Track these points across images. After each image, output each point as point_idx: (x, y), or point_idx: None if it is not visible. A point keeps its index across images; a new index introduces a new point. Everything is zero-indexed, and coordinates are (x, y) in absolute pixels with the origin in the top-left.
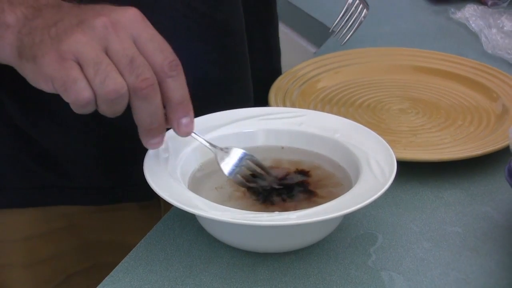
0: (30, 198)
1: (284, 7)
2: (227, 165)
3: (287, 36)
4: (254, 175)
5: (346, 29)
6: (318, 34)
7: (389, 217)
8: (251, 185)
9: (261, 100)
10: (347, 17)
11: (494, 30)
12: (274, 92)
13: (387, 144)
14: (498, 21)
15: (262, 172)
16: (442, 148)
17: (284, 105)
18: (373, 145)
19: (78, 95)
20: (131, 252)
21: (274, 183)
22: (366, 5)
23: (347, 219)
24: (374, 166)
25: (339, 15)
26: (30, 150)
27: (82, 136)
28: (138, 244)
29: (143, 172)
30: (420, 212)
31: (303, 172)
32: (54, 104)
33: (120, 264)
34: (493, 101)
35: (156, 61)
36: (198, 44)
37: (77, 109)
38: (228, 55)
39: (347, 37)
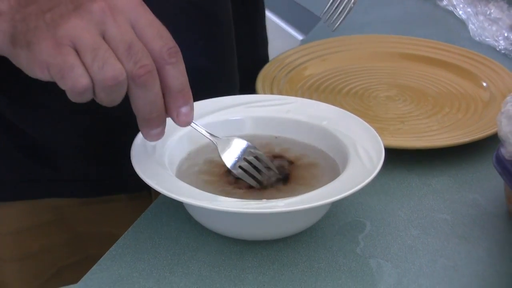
0: (19, 191)
1: None
2: (229, 156)
3: (274, 24)
4: (255, 168)
5: (336, 16)
6: (305, 22)
7: (377, 205)
8: (250, 182)
9: (247, 88)
10: (337, 3)
11: (481, 17)
12: (261, 79)
13: (374, 132)
14: (485, 8)
15: (264, 165)
16: (430, 135)
17: (272, 93)
18: (361, 132)
19: (75, 82)
20: (118, 240)
21: (273, 177)
22: None
23: (335, 206)
24: (362, 153)
25: (329, 1)
26: (18, 143)
27: (70, 127)
28: (126, 232)
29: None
30: (408, 200)
31: (288, 161)
32: (41, 94)
33: (107, 252)
34: (481, 88)
35: (155, 47)
36: (186, 33)
37: (73, 97)
38: (216, 44)
39: (338, 23)
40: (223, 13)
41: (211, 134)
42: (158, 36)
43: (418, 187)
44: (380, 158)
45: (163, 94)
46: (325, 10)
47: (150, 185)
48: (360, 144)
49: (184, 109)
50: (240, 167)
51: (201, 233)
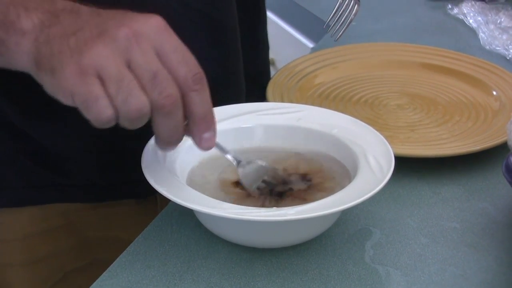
0: (29, 197)
1: (282, 2)
2: (247, 178)
3: (284, 31)
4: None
5: (339, 26)
6: (316, 30)
7: (386, 213)
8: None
9: (252, 94)
10: (340, 13)
11: (491, 26)
12: (271, 87)
13: (385, 140)
14: (496, 17)
15: (277, 183)
16: (440, 144)
17: (282, 101)
18: (371, 140)
19: (100, 113)
20: (128, 247)
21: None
22: (357, 1)
23: (345, 214)
24: (372, 161)
25: (332, 12)
26: (27, 149)
27: (80, 133)
28: (136, 239)
29: (141, 168)
30: (417, 208)
31: (303, 175)
32: (50, 100)
33: (117, 259)
34: (491, 96)
35: (179, 74)
36: (192, 40)
37: (97, 125)
38: (224, 51)
39: (340, 34)
40: (230, 21)
41: (233, 157)
42: (183, 62)
43: (427, 195)
44: (390, 166)
45: (186, 117)
46: (328, 20)
47: (160, 193)
48: (370, 152)
49: (206, 135)
50: (258, 188)
51: (211, 241)
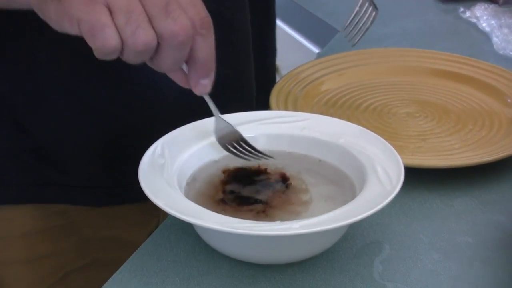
0: (29, 195)
1: (287, 6)
2: (220, 133)
3: (289, 36)
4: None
5: (357, 31)
6: (322, 34)
7: (396, 226)
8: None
9: (258, 100)
10: (358, 18)
11: (505, 30)
12: (275, 95)
13: (394, 150)
14: (510, 21)
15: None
16: (452, 154)
17: (286, 109)
18: (380, 150)
19: (105, 42)
20: (125, 263)
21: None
22: (375, 8)
23: (353, 228)
24: (381, 172)
25: (350, 16)
26: (29, 145)
27: (82, 130)
28: (132, 255)
29: None
30: (429, 221)
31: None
32: (53, 95)
33: (113, 276)
34: (505, 104)
35: (189, 14)
36: None
37: (100, 55)
38: (233, 51)
39: (358, 38)
40: (242, 22)
41: (218, 113)
42: (191, 4)
43: (439, 208)
44: (399, 178)
45: (188, 62)
46: (346, 25)
47: (158, 206)
48: (379, 163)
49: (203, 81)
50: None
51: (212, 256)
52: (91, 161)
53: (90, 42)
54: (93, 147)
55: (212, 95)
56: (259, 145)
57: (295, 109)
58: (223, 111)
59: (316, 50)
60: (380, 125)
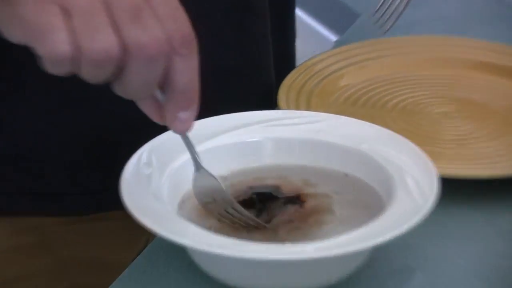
0: None
1: None
2: (198, 189)
3: (302, 22)
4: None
5: (389, 15)
6: (340, 19)
7: (429, 249)
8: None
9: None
10: (390, 1)
11: None
12: (285, 91)
13: (427, 157)
14: None
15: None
16: (496, 162)
17: (298, 108)
18: (410, 158)
19: (55, 47)
20: None
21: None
22: None
23: (377, 251)
24: (411, 184)
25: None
26: None
27: (57, 124)
28: (113, 283)
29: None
30: (468, 243)
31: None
32: (31, 87)
33: None
34: None
35: (167, 29)
36: (209, 22)
37: (50, 66)
38: (247, 36)
39: (390, 25)
40: (258, 2)
41: (196, 160)
42: (172, 18)
43: (481, 227)
44: (433, 191)
45: (165, 89)
46: (377, 8)
47: (143, 225)
48: (409, 173)
49: (183, 115)
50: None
51: (207, 285)
52: (69, 162)
53: (38, 47)
54: (71, 144)
55: (224, 88)
56: (264, 153)
57: (309, 108)
58: (238, 105)
59: (333, 37)
60: (410, 127)
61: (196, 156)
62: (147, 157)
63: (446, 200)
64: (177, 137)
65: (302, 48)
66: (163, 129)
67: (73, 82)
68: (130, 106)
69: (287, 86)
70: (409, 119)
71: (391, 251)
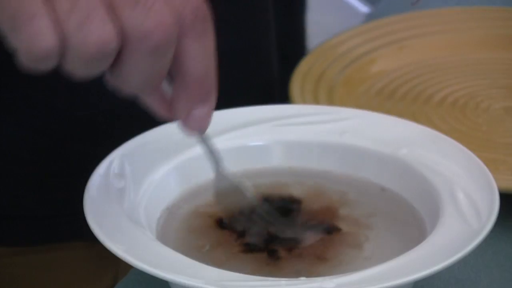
0: None
1: None
2: (222, 196)
3: None
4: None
5: None
6: None
7: (487, 286)
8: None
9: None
10: None
11: None
12: (299, 79)
13: (484, 166)
14: None
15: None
16: None
17: (316, 102)
18: (462, 167)
19: (34, 38)
20: None
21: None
22: None
23: (419, 287)
24: (463, 201)
25: None
26: None
27: (10, 131)
28: None
29: None
30: None
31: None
32: None
33: None
34: None
35: (174, 3)
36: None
37: (28, 62)
38: (246, 16)
39: None
40: None
41: (219, 165)
42: None
43: None
44: (492, 211)
45: (174, 78)
46: None
47: (114, 252)
48: (460, 187)
49: (199, 110)
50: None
51: None
52: (18, 180)
53: (14, 39)
54: (23, 156)
55: (218, 81)
56: (273, 160)
57: (331, 102)
58: (234, 100)
59: (363, 9)
60: (464, 127)
61: (219, 162)
62: (119, 167)
63: (509, 222)
64: (157, 141)
65: (323, 23)
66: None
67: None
68: (89, 107)
69: (303, 74)
70: (462, 116)
71: (436, 287)
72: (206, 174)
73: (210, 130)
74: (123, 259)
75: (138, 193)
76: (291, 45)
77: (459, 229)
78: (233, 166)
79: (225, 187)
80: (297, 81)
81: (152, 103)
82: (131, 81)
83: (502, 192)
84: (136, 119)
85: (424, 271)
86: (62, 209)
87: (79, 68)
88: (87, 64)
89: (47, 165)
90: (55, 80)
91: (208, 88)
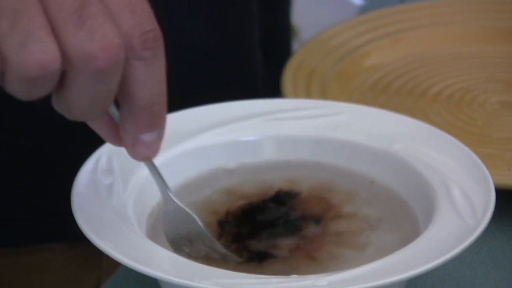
0: None
1: None
2: (168, 224)
3: None
4: None
5: None
6: None
7: (483, 283)
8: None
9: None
10: None
11: None
12: (291, 73)
13: (480, 162)
14: None
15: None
16: None
17: (309, 96)
18: (457, 163)
19: None
20: None
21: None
22: None
23: (414, 285)
24: (458, 197)
25: None
26: None
27: None
28: None
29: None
30: None
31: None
32: None
33: None
34: None
35: (122, 25)
36: None
37: None
38: (226, 10)
39: None
40: None
41: (166, 193)
42: (128, 9)
43: None
44: (488, 207)
45: (120, 103)
46: None
47: (103, 250)
48: (456, 183)
49: (146, 137)
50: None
51: None
52: (1, 183)
53: None
54: (5, 161)
55: (198, 78)
56: (265, 155)
57: (324, 96)
58: (217, 96)
59: (357, 2)
60: (460, 122)
61: (167, 188)
62: (107, 163)
63: (505, 218)
64: None
65: (315, 15)
66: None
67: None
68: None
69: (295, 67)
70: (458, 111)
71: (430, 285)
72: (196, 170)
73: (201, 124)
74: (112, 257)
75: (126, 189)
76: (275, 42)
77: (454, 225)
78: (225, 161)
79: (173, 213)
80: (290, 75)
81: (100, 129)
82: (76, 105)
83: (498, 188)
84: None
85: (418, 269)
86: (43, 211)
87: (20, 89)
88: (28, 85)
89: (27, 166)
90: None
91: (156, 114)
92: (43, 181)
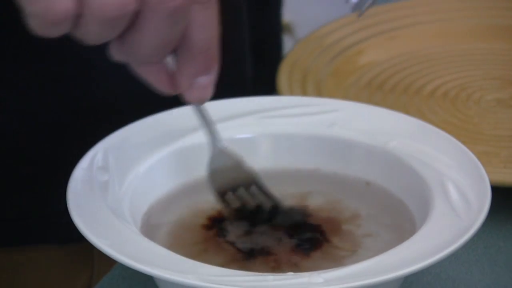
0: None
1: None
2: (216, 176)
3: None
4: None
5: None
6: None
7: (478, 281)
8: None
9: (262, 81)
10: None
11: None
12: (286, 71)
13: (475, 159)
14: None
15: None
16: None
17: (304, 94)
18: (453, 160)
19: (51, 4)
20: None
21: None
22: None
23: (409, 283)
24: (454, 195)
25: None
26: None
27: None
28: None
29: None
30: None
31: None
32: None
33: None
34: None
35: None
36: None
37: (41, 27)
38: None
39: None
40: None
41: (215, 137)
42: None
43: None
44: (483, 204)
45: (178, 47)
46: None
47: (98, 247)
48: (452, 180)
49: (202, 79)
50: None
51: None
52: None
53: (29, 5)
54: None
55: None
56: (259, 152)
57: (319, 93)
58: None
59: None
60: (455, 119)
61: (215, 132)
62: (103, 159)
63: (501, 216)
64: (142, 132)
65: (309, 12)
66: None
67: None
68: (56, 109)
69: (290, 65)
70: (453, 108)
71: (426, 283)
72: (193, 168)
73: (194, 122)
74: (108, 254)
75: (122, 187)
76: (265, 42)
77: (450, 223)
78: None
79: (221, 163)
80: (285, 73)
81: (154, 77)
82: (143, 47)
83: (494, 185)
84: (105, 121)
85: (414, 266)
86: (32, 211)
87: (93, 33)
88: (102, 28)
89: (16, 167)
90: (24, 83)
91: (212, 57)
92: (33, 182)
